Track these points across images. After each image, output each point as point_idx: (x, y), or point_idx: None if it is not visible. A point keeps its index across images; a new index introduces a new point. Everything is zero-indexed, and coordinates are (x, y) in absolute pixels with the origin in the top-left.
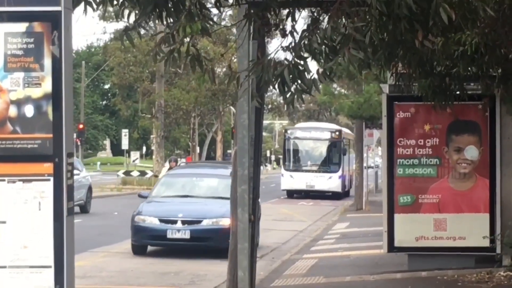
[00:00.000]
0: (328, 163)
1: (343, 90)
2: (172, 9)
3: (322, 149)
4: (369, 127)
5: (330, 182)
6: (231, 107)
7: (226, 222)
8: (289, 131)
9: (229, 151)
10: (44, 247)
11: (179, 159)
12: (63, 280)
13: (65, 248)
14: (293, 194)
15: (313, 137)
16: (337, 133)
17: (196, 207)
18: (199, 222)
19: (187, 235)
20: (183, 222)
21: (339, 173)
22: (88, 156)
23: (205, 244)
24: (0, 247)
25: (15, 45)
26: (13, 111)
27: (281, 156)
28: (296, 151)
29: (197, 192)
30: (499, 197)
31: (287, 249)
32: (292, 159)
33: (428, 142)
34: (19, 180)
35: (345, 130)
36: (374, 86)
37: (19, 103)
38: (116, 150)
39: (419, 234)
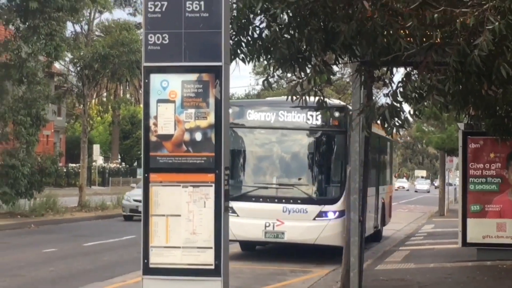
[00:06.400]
0: (317, 182)
1: (431, 128)
2: (303, 64)
3: (300, 150)
4: (450, 156)
5: (319, 225)
6: None
7: None
8: (234, 110)
9: None
10: (207, 234)
11: None
12: (220, 257)
13: (222, 235)
14: (247, 246)
15: (282, 124)
16: (337, 115)
17: None
18: None
19: None
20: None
21: (340, 203)
22: None
23: None
24: (176, 233)
25: (189, 90)
26: (186, 137)
27: None
28: (246, 155)
29: None
30: None
31: (388, 243)
32: (239, 172)
33: (492, 166)
34: (190, 186)
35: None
36: (454, 126)
37: (191, 131)
38: None
39: (485, 234)
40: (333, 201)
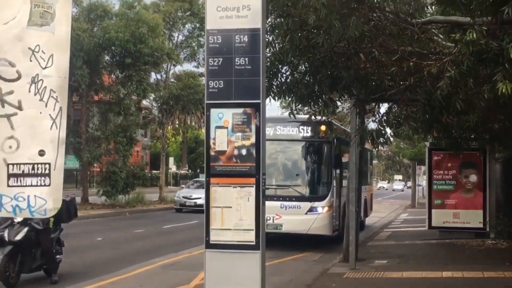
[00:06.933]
0: (308, 184)
1: (406, 145)
2: (316, 101)
3: (294, 157)
4: (419, 165)
5: (310, 218)
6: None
7: None
8: None
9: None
10: (250, 220)
11: None
12: (259, 236)
13: (260, 220)
14: None
15: (279, 136)
16: (323, 128)
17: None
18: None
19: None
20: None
21: (327, 200)
22: None
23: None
24: (228, 220)
25: (237, 119)
26: (236, 152)
27: None
28: None
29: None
30: (488, 202)
31: (375, 226)
32: None
33: (450, 172)
34: (239, 186)
35: (339, 125)
36: (422, 144)
37: (239, 148)
38: None
39: (445, 220)
40: (321, 199)
